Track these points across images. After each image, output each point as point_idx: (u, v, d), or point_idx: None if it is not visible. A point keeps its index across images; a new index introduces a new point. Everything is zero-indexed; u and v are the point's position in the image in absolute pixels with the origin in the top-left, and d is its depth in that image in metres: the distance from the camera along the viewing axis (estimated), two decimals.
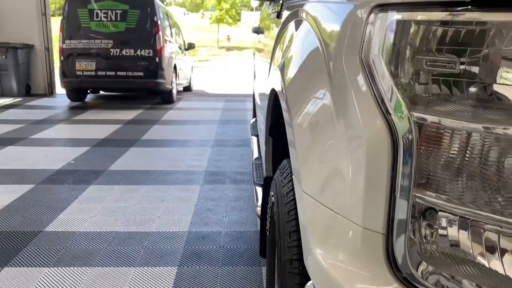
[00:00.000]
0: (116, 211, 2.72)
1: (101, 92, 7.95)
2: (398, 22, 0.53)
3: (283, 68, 0.96)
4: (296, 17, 1.01)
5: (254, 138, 3.17)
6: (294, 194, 0.95)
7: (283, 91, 0.88)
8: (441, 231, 0.48)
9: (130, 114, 6.16)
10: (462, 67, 0.50)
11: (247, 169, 3.66)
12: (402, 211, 0.51)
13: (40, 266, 2.04)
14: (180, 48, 8.48)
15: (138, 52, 6.65)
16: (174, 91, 7.56)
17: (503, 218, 0.45)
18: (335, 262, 0.58)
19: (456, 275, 0.47)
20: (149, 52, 6.69)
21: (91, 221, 2.55)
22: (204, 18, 51.35)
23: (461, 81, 0.50)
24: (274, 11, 1.41)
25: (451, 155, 0.47)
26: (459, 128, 0.48)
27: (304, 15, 0.88)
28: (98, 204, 2.81)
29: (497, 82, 0.49)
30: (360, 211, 0.54)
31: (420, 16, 0.52)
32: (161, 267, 2.06)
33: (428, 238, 0.49)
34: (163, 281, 1.94)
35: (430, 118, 0.50)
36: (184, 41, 9.25)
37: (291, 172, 1.03)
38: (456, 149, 0.47)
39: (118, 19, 6.64)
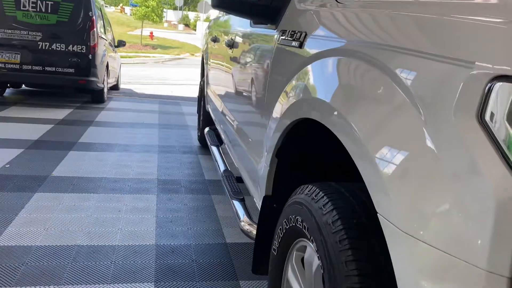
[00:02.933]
0: (72, 222, 2.55)
1: (24, 87, 7.32)
2: None
3: (336, 103, 1.02)
4: (345, 55, 1.07)
5: (214, 148, 3.18)
6: (342, 223, 1.01)
7: (349, 127, 0.93)
8: None
9: (59, 113, 5.76)
10: None
11: (199, 178, 3.64)
12: None
13: (0, 286, 1.86)
14: (110, 44, 8.11)
15: (70, 48, 6.24)
16: (106, 90, 7.23)
17: None
18: None
19: None
20: (81, 48, 6.32)
21: (47, 234, 2.37)
22: (123, 13, 49.39)
23: None
24: (290, 38, 1.45)
25: None
26: None
27: (367, 58, 0.95)
28: (50, 215, 2.62)
29: None
30: (485, 256, 0.62)
31: None
32: (137, 284, 1.99)
33: None
34: None
35: None
36: (114, 37, 8.87)
37: (331, 201, 1.09)
38: None
39: (49, 11, 6.19)
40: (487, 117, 0.65)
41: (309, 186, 1.23)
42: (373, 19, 1.02)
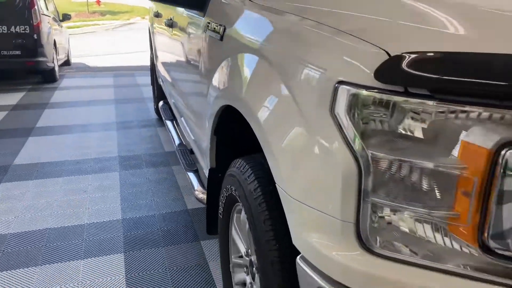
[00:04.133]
0: (40, 208, 2.73)
1: None
2: (352, 93, 0.86)
3: (243, 94, 1.24)
4: (251, 53, 1.28)
5: (169, 123, 3.36)
6: (261, 190, 1.26)
7: (252, 114, 1.16)
8: (388, 219, 0.84)
9: (12, 98, 5.71)
10: (387, 119, 0.84)
11: (159, 151, 3.83)
12: (366, 208, 0.85)
13: None
14: (54, 19, 7.88)
15: (13, 29, 6.09)
16: (57, 69, 7.12)
17: (417, 207, 0.82)
18: (320, 240, 0.92)
19: (396, 244, 0.84)
20: (25, 29, 6.17)
21: (18, 222, 2.55)
22: None
23: (391, 130, 0.83)
24: (213, 30, 1.64)
25: (392, 173, 0.82)
26: (394, 159, 0.82)
27: (265, 58, 1.17)
28: (18, 203, 2.78)
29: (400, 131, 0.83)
30: (339, 210, 0.87)
31: (361, 90, 0.85)
32: (108, 256, 2.23)
33: (381, 224, 0.85)
34: (114, 269, 2.12)
35: (376, 152, 0.84)
36: (57, 10, 8.59)
37: (253, 173, 1.33)
38: (394, 172, 0.82)
39: None
40: (335, 111, 0.89)
41: (239, 160, 1.47)
42: (273, 22, 1.23)
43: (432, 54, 0.78)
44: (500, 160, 0.74)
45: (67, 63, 8.99)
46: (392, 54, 0.81)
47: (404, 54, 0.79)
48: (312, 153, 0.94)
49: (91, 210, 2.71)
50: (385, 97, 0.81)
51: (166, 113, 3.60)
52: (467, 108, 0.75)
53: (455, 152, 0.78)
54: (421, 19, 0.95)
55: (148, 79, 7.21)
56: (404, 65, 0.78)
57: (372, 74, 0.82)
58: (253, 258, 1.45)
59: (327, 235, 0.92)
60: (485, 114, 0.74)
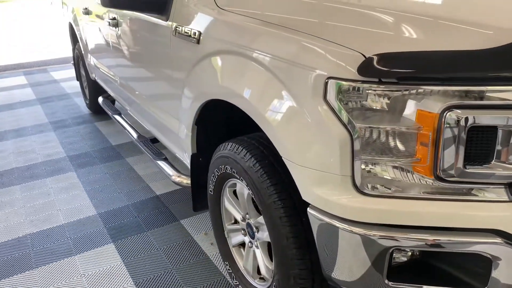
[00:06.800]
0: (11, 216, 2.77)
1: None
2: (339, 84, 1.20)
3: (243, 93, 1.53)
4: (240, 56, 1.56)
5: (118, 117, 3.48)
6: (259, 164, 1.58)
7: (256, 111, 1.46)
8: (373, 170, 1.22)
9: None
10: (365, 100, 1.20)
11: (107, 145, 3.92)
12: (358, 165, 1.21)
13: None
14: None
15: None
16: None
17: (392, 158, 1.20)
18: (326, 191, 1.27)
19: (380, 185, 1.22)
20: None
21: None
22: None
23: (369, 107, 1.20)
24: (189, 35, 1.87)
25: (373, 137, 1.19)
26: (374, 127, 1.19)
27: (258, 62, 1.46)
28: None
29: (375, 107, 1.21)
30: (338, 168, 1.23)
31: (345, 82, 1.20)
32: (100, 247, 2.40)
33: (369, 174, 1.22)
34: (110, 257, 2.32)
35: (360, 124, 1.20)
36: None
37: (248, 152, 1.64)
38: (374, 136, 1.19)
39: None
40: (328, 98, 1.23)
41: (230, 143, 1.76)
42: (254, 28, 1.52)
43: (394, 54, 1.15)
44: (443, 120, 1.14)
45: None
46: (366, 56, 1.16)
47: (374, 56, 1.15)
48: (312, 130, 1.28)
49: (64, 211, 2.82)
50: (363, 85, 1.17)
51: (112, 108, 3.69)
52: (420, 87, 1.13)
53: (413, 117, 1.17)
54: (375, 25, 1.31)
55: (64, 73, 7.00)
56: (376, 63, 1.14)
57: (355, 71, 1.17)
58: (252, 221, 1.78)
59: (330, 187, 1.27)
60: (432, 91, 1.13)
